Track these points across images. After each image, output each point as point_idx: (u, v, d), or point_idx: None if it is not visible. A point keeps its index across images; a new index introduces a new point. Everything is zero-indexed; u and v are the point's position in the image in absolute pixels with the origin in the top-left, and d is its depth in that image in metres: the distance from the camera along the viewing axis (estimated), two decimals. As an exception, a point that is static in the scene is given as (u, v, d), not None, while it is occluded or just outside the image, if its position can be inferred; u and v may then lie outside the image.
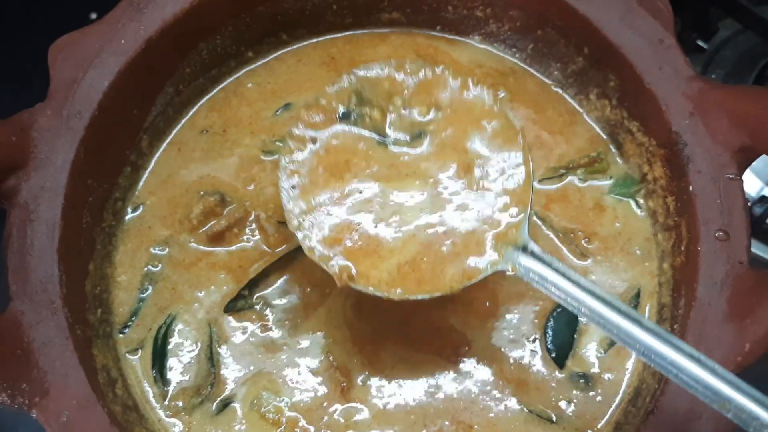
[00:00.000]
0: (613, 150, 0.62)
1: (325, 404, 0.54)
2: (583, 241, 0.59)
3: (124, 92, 0.57)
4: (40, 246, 0.52)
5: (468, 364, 0.56)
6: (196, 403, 0.54)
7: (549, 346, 0.56)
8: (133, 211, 0.60)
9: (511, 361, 0.56)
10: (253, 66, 0.65)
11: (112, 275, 0.58)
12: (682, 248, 0.55)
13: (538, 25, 0.63)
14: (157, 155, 0.62)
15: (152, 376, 0.55)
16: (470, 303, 0.57)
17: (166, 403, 0.54)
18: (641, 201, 0.60)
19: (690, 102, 0.56)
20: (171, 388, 0.55)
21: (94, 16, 0.78)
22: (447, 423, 0.54)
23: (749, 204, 0.74)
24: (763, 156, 0.54)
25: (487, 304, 0.57)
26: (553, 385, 0.55)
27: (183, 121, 0.63)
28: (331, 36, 0.67)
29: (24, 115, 0.54)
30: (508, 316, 0.57)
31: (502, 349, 0.56)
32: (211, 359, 0.55)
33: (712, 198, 0.53)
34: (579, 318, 0.56)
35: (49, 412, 0.48)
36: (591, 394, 0.55)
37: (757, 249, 0.76)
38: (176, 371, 0.55)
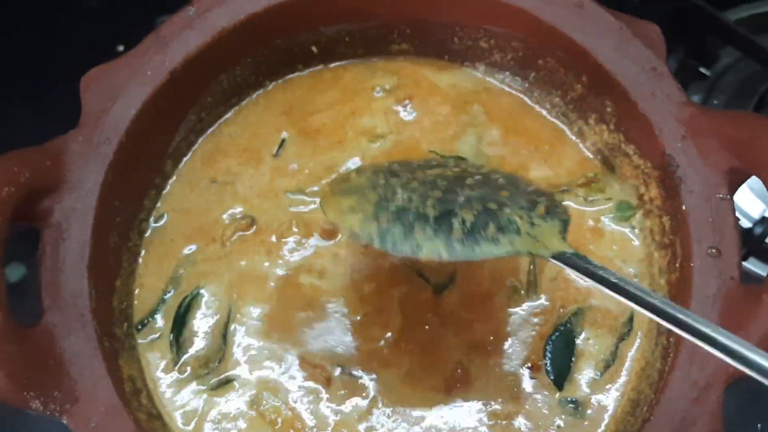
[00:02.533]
0: (612, 173, 0.65)
1: (325, 410, 0.58)
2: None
3: (149, 120, 0.61)
4: (71, 263, 0.55)
5: (462, 393, 0.58)
6: (201, 374, 0.58)
7: (548, 369, 0.58)
8: (156, 222, 0.63)
9: (507, 387, 0.58)
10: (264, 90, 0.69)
11: (135, 289, 0.61)
12: (677, 265, 0.58)
13: (539, 55, 0.66)
14: (177, 173, 0.66)
15: (169, 342, 0.59)
16: (469, 327, 0.60)
17: (176, 367, 0.58)
18: (636, 226, 0.63)
19: (682, 126, 0.59)
20: (181, 354, 0.59)
21: (121, 48, 0.83)
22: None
23: (751, 225, 0.78)
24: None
25: (491, 338, 0.60)
26: (545, 411, 0.58)
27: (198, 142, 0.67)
28: (337, 64, 0.70)
29: (57, 141, 0.58)
30: (506, 342, 0.59)
31: (499, 377, 0.58)
32: (224, 336, 0.59)
33: (704, 217, 0.56)
34: (576, 341, 0.59)
35: (79, 418, 0.52)
36: (579, 418, 0.57)
37: (758, 268, 0.78)
38: (191, 342, 0.60)
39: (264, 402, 0.58)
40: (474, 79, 0.69)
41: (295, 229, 0.63)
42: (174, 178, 0.66)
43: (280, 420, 0.57)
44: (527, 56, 0.67)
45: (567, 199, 0.64)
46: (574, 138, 0.67)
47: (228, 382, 0.58)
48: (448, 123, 0.67)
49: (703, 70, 0.91)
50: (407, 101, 0.68)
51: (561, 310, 0.60)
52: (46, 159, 0.57)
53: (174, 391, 0.58)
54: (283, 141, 0.66)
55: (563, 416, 0.57)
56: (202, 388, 0.58)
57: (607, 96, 0.63)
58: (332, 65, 0.70)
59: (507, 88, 0.69)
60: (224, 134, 0.67)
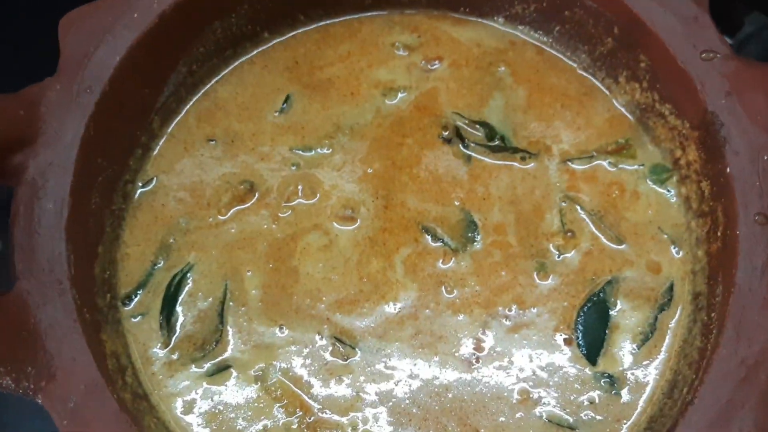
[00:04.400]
0: (643, 135, 0.59)
1: (329, 385, 0.52)
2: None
3: (136, 69, 0.55)
4: (47, 224, 0.50)
5: (485, 363, 0.53)
6: (197, 356, 0.53)
7: (580, 343, 0.53)
8: (144, 186, 0.58)
9: (536, 361, 0.53)
10: (266, 46, 0.63)
11: (120, 258, 0.55)
12: (719, 233, 0.53)
13: (565, 5, 0.60)
14: (168, 134, 0.59)
15: (159, 322, 0.53)
16: (494, 303, 0.54)
17: (167, 350, 0.53)
18: (673, 189, 0.58)
19: (726, 81, 0.53)
20: (175, 337, 0.53)
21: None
22: (453, 424, 0.52)
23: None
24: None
25: (513, 307, 0.54)
26: (577, 386, 0.52)
27: (193, 100, 0.61)
28: (347, 17, 0.64)
29: (33, 89, 0.52)
30: (535, 316, 0.54)
31: (527, 349, 0.53)
32: (221, 316, 0.53)
33: (751, 180, 0.51)
34: (611, 312, 0.54)
35: (55, 397, 0.46)
36: (614, 394, 0.52)
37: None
38: (183, 320, 0.54)
39: (270, 378, 0.52)
40: (497, 35, 0.63)
41: (300, 192, 0.57)
42: (164, 138, 0.60)
43: (285, 398, 0.51)
44: (552, 7, 0.61)
45: (597, 166, 0.58)
46: (605, 91, 0.61)
47: (227, 367, 0.53)
48: (473, 85, 0.61)
49: (725, 38, 0.85)
50: (436, 62, 0.62)
51: (594, 279, 0.54)
52: (19, 108, 0.51)
53: (166, 374, 0.53)
54: (288, 97, 0.60)
55: (597, 392, 0.52)
56: (199, 372, 0.52)
57: (641, 49, 0.58)
58: (341, 18, 0.64)
59: (533, 41, 0.63)
60: (221, 92, 0.61)
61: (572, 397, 0.52)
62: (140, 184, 0.58)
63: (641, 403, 0.52)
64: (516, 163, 0.59)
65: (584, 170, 0.58)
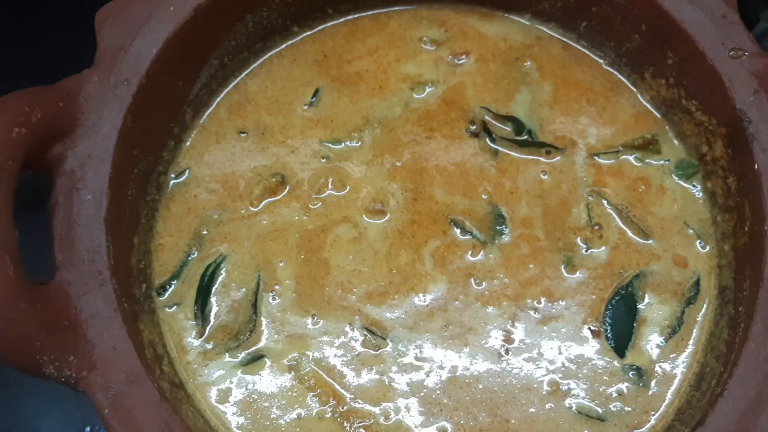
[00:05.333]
0: (669, 131, 0.60)
1: (361, 375, 0.53)
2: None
3: (171, 61, 0.56)
4: (87, 215, 0.50)
5: (515, 355, 0.54)
6: (231, 346, 0.53)
7: (608, 336, 0.54)
8: (177, 177, 0.58)
9: (565, 353, 0.54)
10: (295, 40, 0.63)
11: (155, 249, 0.56)
12: (746, 229, 0.54)
13: (593, 1, 0.61)
14: (200, 126, 0.60)
15: (193, 312, 0.54)
16: (523, 296, 0.55)
17: (202, 340, 0.54)
18: (698, 184, 0.58)
19: (755, 79, 0.54)
20: (210, 326, 0.54)
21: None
22: (484, 414, 0.52)
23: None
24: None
25: (542, 299, 0.55)
26: (605, 378, 0.53)
27: (224, 93, 0.61)
28: (375, 11, 0.65)
29: (71, 80, 0.53)
30: (564, 308, 0.55)
31: (556, 341, 0.54)
32: (255, 306, 0.54)
33: (780, 176, 0.52)
34: (639, 306, 0.54)
35: (96, 385, 0.47)
36: (642, 386, 0.53)
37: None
38: (217, 310, 0.55)
39: (303, 367, 0.53)
40: (523, 30, 0.64)
41: (330, 185, 0.58)
42: (196, 130, 0.60)
43: (319, 387, 0.52)
44: (579, 2, 0.62)
45: (623, 161, 0.59)
46: (631, 87, 0.62)
47: (261, 356, 0.54)
48: (500, 80, 0.62)
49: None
50: (464, 56, 0.62)
51: (621, 272, 0.55)
52: (59, 99, 0.52)
53: (201, 363, 0.53)
54: (317, 90, 0.61)
55: (625, 384, 0.53)
56: (234, 361, 0.53)
57: (669, 47, 0.58)
58: (370, 12, 0.64)
59: (559, 37, 0.63)
60: (251, 85, 0.62)
61: (601, 389, 0.53)
62: (173, 175, 0.58)
63: (669, 395, 0.53)
64: (542, 158, 0.59)
65: (610, 165, 0.59)
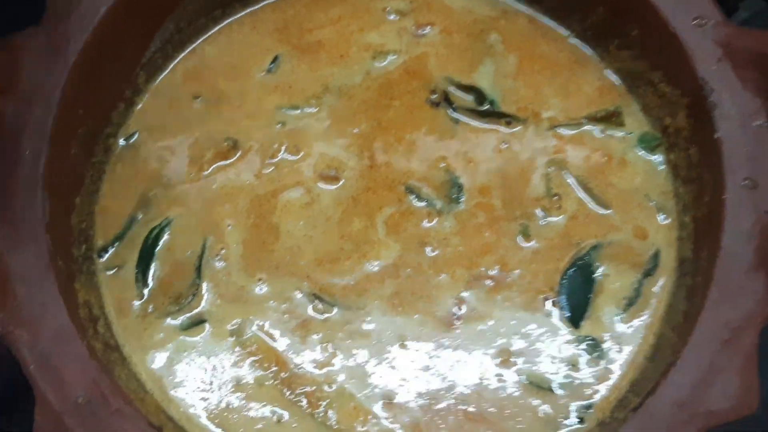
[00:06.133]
0: (634, 103, 0.59)
1: (306, 341, 0.52)
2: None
3: (122, 22, 0.54)
4: (24, 172, 0.49)
5: (466, 324, 0.52)
6: (172, 310, 0.52)
7: (563, 306, 0.52)
8: (126, 140, 0.57)
9: (518, 323, 0.52)
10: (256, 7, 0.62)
11: (99, 211, 0.55)
12: (705, 199, 0.52)
13: (556, -30, 0.60)
14: (152, 90, 0.59)
15: (134, 275, 0.53)
16: (471, 257, 0.54)
17: (141, 303, 0.52)
18: (661, 155, 0.57)
19: (718, 47, 0.52)
20: (151, 290, 0.53)
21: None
22: (431, 382, 0.51)
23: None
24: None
25: (496, 268, 0.53)
26: (559, 349, 0.52)
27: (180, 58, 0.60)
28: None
29: (15, 37, 0.51)
30: (518, 278, 0.53)
31: (509, 311, 0.52)
32: (198, 269, 0.53)
33: (740, 146, 0.50)
34: (595, 277, 0.53)
35: (22, 342, 0.45)
36: (597, 357, 0.51)
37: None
38: (160, 274, 0.53)
39: (245, 332, 0.51)
40: (489, 3, 0.62)
41: (284, 150, 0.56)
42: (149, 93, 0.59)
43: (261, 353, 0.51)
44: (544, -27, 0.61)
45: (585, 133, 0.57)
46: (596, 60, 0.60)
47: (202, 321, 0.52)
48: (464, 51, 0.60)
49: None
50: (428, 27, 0.61)
51: (579, 243, 0.54)
52: (1, 56, 0.50)
53: (140, 326, 0.52)
54: (276, 57, 0.59)
55: (579, 355, 0.51)
56: (174, 325, 0.52)
57: (633, 18, 0.57)
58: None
59: (524, 10, 0.62)
60: (208, 51, 0.60)
61: (553, 360, 0.51)
62: (122, 138, 0.57)
63: (623, 366, 0.51)
64: (502, 127, 0.58)
65: (572, 136, 0.57)
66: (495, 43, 0.61)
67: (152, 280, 0.53)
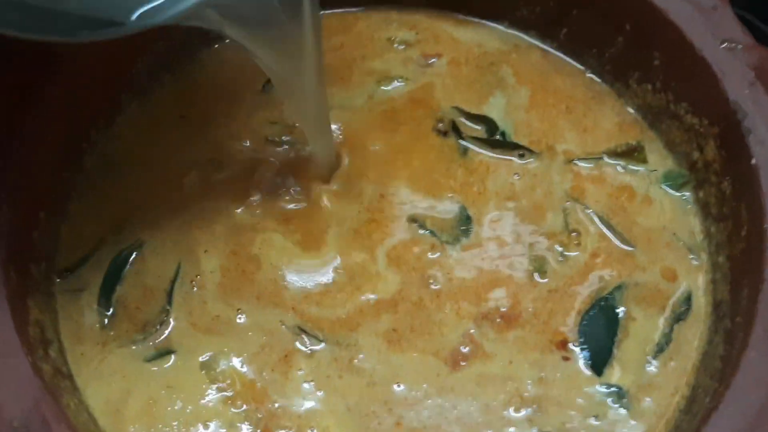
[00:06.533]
0: (657, 139, 0.54)
1: (288, 377, 0.45)
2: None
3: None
4: (-14, 177, 0.44)
5: (471, 366, 0.45)
6: (137, 339, 0.46)
7: (583, 350, 0.46)
8: (103, 158, 0.52)
9: (532, 369, 0.46)
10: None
11: (65, 230, 0.49)
12: (742, 233, 0.47)
13: (573, 3, 0.56)
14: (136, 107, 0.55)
15: (97, 299, 0.47)
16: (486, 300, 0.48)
17: (103, 330, 0.46)
18: (689, 193, 0.52)
19: (750, 71, 0.48)
20: (114, 316, 0.46)
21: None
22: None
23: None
24: None
25: (506, 306, 0.47)
26: (580, 399, 0.45)
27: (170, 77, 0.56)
28: (342, 10, 0.60)
29: None
30: (531, 317, 0.47)
31: (520, 354, 0.46)
32: (170, 296, 0.46)
33: (780, 170, 0.45)
34: (620, 319, 0.47)
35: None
36: (623, 409, 0.44)
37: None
38: (126, 299, 0.47)
39: (218, 366, 0.44)
40: (500, 37, 0.59)
41: (268, 174, 0.51)
42: (131, 112, 0.55)
43: (233, 388, 0.44)
44: (559, 7, 0.57)
45: (605, 168, 0.53)
46: (615, 96, 0.56)
47: (169, 352, 0.45)
48: (473, 83, 0.57)
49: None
50: (435, 57, 0.58)
51: (600, 283, 0.48)
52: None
53: (98, 355, 0.45)
54: (269, 80, 0.55)
55: (603, 407, 0.44)
56: (137, 355, 0.45)
57: (655, 45, 0.53)
58: (335, 11, 0.60)
59: (538, 43, 0.58)
60: (199, 72, 0.57)
61: (573, 412, 0.44)
62: (98, 156, 0.52)
63: (653, 418, 0.44)
64: (515, 159, 0.53)
65: (590, 171, 0.53)
66: (506, 75, 0.57)
67: (117, 304, 0.47)
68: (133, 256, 0.48)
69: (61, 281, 0.47)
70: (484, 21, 0.60)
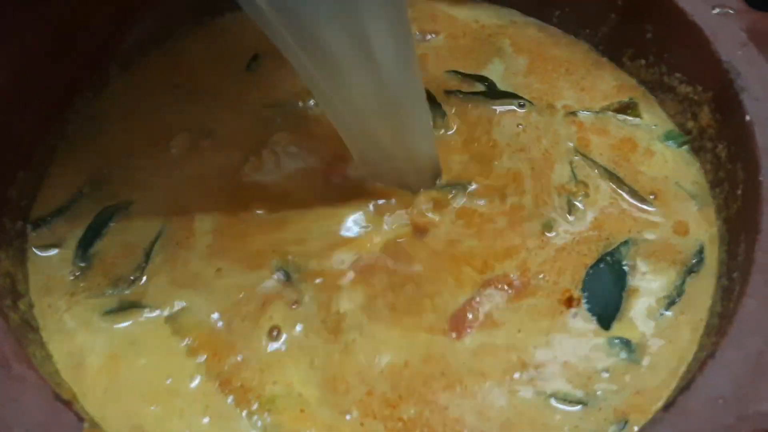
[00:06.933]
0: (656, 103, 0.53)
1: (262, 326, 0.43)
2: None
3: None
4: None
5: (475, 336, 0.43)
6: (106, 293, 0.44)
7: (588, 307, 0.44)
8: (88, 122, 0.52)
9: (537, 331, 0.43)
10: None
11: (43, 187, 0.48)
12: (738, 192, 0.45)
13: (565, -17, 0.56)
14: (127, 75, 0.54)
15: (74, 251, 0.45)
16: (484, 256, 0.46)
17: (73, 280, 0.44)
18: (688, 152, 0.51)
19: (742, 33, 0.48)
20: (88, 268, 0.45)
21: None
22: (417, 402, 0.41)
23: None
24: None
25: (516, 273, 0.46)
26: (589, 355, 0.42)
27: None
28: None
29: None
30: (537, 276, 0.45)
31: (527, 314, 0.44)
32: (148, 255, 0.45)
33: (775, 126, 0.44)
34: (627, 274, 0.45)
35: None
36: (632, 363, 0.42)
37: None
38: (104, 253, 0.46)
39: (186, 321, 0.43)
40: (497, 14, 0.59)
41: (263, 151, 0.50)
42: (121, 81, 0.55)
43: (199, 342, 0.42)
44: (551, -11, 0.57)
45: (606, 121, 0.52)
46: (613, 65, 0.55)
47: (136, 306, 0.44)
48: (470, 52, 0.56)
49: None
50: (432, 34, 0.57)
51: (608, 239, 0.46)
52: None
53: (65, 307, 0.44)
54: (256, 56, 0.55)
55: (612, 361, 0.42)
56: (104, 308, 0.44)
57: (647, 17, 0.53)
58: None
59: (534, 21, 0.58)
60: (192, 45, 0.57)
61: (582, 368, 0.42)
62: (84, 120, 0.52)
63: (664, 371, 0.41)
64: (516, 108, 0.52)
65: (593, 123, 0.52)
66: (504, 46, 0.57)
67: (93, 258, 0.45)
68: (120, 214, 0.47)
69: (36, 235, 0.46)
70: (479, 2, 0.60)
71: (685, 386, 0.37)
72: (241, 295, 0.44)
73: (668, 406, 0.36)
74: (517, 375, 0.41)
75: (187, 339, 0.42)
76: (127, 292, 0.44)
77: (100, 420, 0.39)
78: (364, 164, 0.47)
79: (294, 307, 0.43)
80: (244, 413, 0.40)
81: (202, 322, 0.43)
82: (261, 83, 0.54)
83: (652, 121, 0.52)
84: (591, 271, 0.45)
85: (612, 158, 0.50)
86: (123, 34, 0.54)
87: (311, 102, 0.53)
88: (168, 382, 0.41)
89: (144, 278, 0.45)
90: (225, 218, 0.47)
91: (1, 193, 0.45)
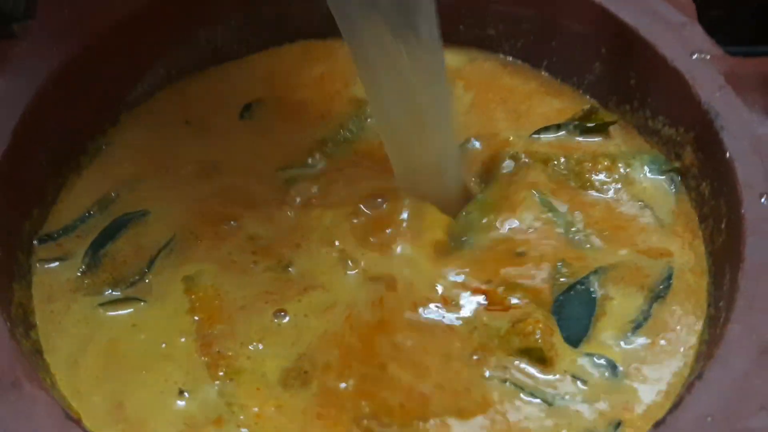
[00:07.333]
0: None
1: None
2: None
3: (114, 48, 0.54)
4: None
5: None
6: (103, 291, 0.46)
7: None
8: (97, 152, 0.54)
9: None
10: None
11: (53, 211, 0.51)
12: (722, 227, 0.47)
13: (552, 33, 0.59)
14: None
15: (86, 250, 0.48)
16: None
17: (77, 277, 0.46)
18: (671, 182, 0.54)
19: (719, 75, 0.51)
20: (95, 266, 0.48)
21: None
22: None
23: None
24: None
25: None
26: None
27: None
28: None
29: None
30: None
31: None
32: (152, 261, 0.47)
33: (753, 161, 0.47)
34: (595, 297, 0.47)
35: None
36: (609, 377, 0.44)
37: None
38: (116, 253, 0.48)
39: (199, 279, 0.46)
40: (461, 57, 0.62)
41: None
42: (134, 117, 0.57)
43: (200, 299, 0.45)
44: (540, 38, 0.60)
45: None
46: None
47: (135, 299, 0.46)
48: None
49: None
50: None
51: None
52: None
53: (62, 310, 0.46)
54: (249, 105, 0.58)
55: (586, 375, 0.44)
56: (97, 302, 0.46)
57: (630, 64, 0.56)
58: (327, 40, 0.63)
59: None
60: (197, 86, 0.59)
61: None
62: (95, 154, 0.54)
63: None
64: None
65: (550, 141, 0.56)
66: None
67: (103, 257, 0.48)
68: (135, 221, 0.50)
69: (40, 246, 0.49)
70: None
71: (674, 405, 0.38)
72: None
73: (658, 424, 0.38)
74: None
75: (193, 297, 0.45)
76: (126, 288, 0.47)
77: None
78: (403, 177, 0.50)
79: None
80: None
81: (207, 284, 0.46)
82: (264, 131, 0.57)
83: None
84: (559, 299, 0.47)
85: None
86: (133, 79, 0.57)
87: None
88: (162, 346, 0.43)
89: (141, 281, 0.47)
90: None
91: (16, 229, 0.47)
